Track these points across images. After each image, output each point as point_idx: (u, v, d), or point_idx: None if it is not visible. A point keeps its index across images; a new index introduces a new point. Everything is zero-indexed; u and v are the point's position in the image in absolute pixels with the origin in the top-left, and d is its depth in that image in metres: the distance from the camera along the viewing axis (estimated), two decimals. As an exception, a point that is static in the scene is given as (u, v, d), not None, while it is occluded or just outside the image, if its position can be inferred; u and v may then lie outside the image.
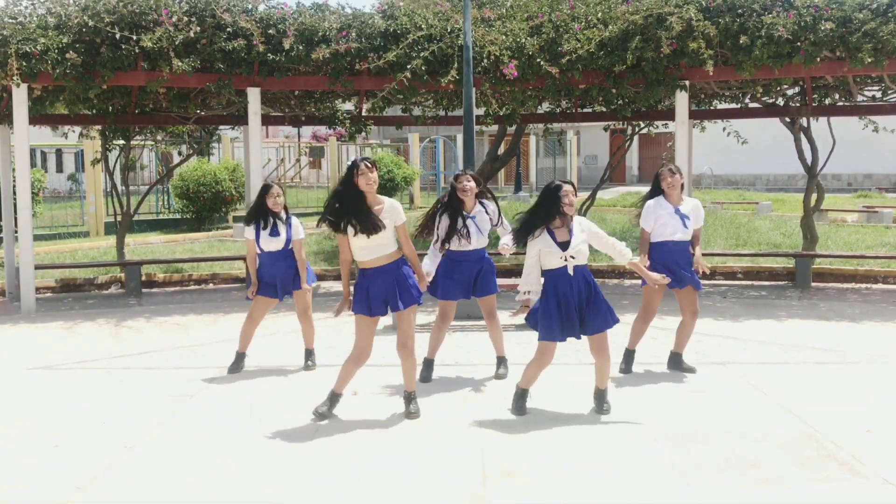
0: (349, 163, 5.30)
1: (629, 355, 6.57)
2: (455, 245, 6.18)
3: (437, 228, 6.22)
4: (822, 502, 4.10)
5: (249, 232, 6.58)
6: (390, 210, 5.24)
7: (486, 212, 6.29)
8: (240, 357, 6.74)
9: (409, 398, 5.52)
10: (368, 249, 5.23)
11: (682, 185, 6.46)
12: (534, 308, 5.35)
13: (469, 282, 6.26)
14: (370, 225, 5.12)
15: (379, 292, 5.27)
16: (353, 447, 4.91)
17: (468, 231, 6.15)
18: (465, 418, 5.42)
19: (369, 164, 5.16)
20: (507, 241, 5.64)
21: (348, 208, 5.14)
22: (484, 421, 5.36)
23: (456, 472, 4.50)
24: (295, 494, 4.24)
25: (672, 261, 6.27)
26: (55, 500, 4.20)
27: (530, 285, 5.33)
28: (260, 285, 6.64)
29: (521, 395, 5.53)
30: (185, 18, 9.02)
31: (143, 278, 11.15)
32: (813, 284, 10.63)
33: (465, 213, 6.21)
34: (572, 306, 5.24)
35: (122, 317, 9.15)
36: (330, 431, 5.18)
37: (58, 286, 11.13)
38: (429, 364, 6.40)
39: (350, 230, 5.17)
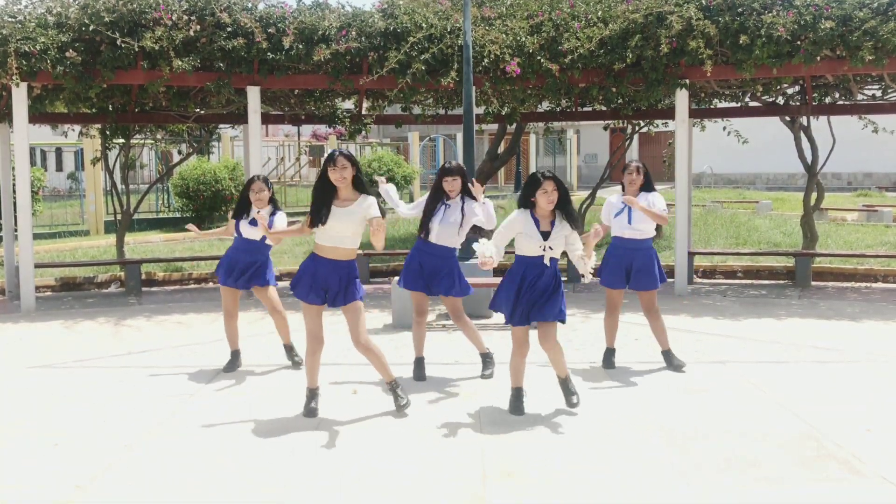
0: (329, 152, 5.30)
1: (609, 353, 6.64)
2: (424, 235, 6.16)
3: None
4: (822, 502, 4.09)
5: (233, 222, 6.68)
6: (361, 204, 5.17)
7: (462, 210, 6.13)
8: (234, 355, 6.72)
9: (393, 387, 5.48)
10: (329, 236, 5.23)
11: (643, 185, 6.48)
12: (497, 293, 5.41)
13: (430, 276, 6.18)
14: (315, 216, 5.18)
15: (322, 282, 5.27)
16: (352, 447, 4.91)
17: (432, 217, 6.12)
18: (464, 417, 5.42)
19: (344, 162, 5.14)
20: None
21: (316, 197, 5.23)
22: (483, 420, 5.35)
23: (456, 472, 4.49)
24: (294, 494, 4.24)
25: (624, 259, 6.42)
26: (55, 500, 4.19)
27: (490, 251, 5.17)
28: (221, 274, 6.61)
29: (516, 395, 5.50)
30: (185, 17, 9.02)
31: (143, 277, 11.15)
32: (813, 283, 10.63)
33: (445, 200, 6.18)
34: (536, 294, 5.23)
35: (122, 315, 9.14)
36: (329, 431, 5.17)
37: (57, 285, 11.13)
38: (419, 362, 6.38)
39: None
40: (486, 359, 6.44)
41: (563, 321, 5.34)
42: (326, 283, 5.27)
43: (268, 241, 6.52)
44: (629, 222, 6.40)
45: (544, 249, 5.21)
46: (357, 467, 4.58)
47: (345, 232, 5.19)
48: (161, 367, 6.87)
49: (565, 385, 5.53)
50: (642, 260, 6.41)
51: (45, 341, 7.93)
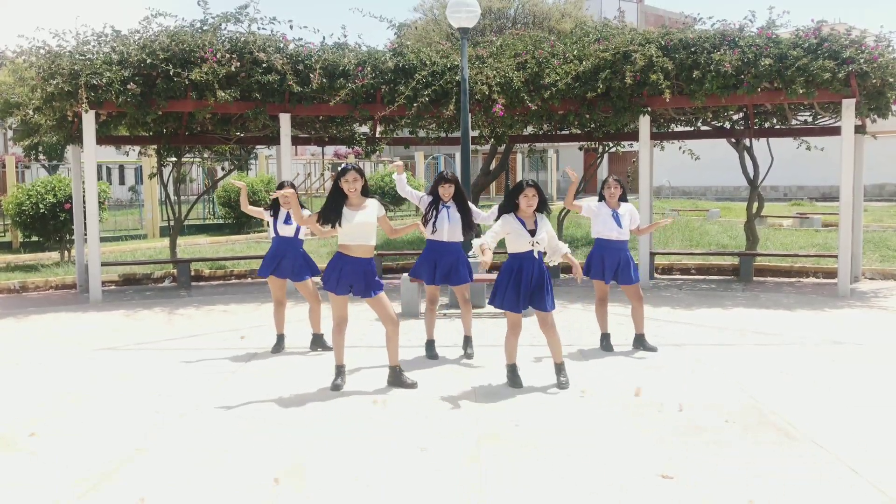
0: (342, 167, 5.33)
1: (605, 338, 6.59)
2: (434, 235, 6.12)
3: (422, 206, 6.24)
4: (761, 462, 4.09)
5: (266, 215, 6.62)
6: (371, 206, 5.29)
7: (460, 209, 6.11)
8: (280, 339, 6.71)
9: (398, 372, 5.53)
10: (353, 236, 5.25)
11: (621, 195, 6.43)
12: (494, 290, 5.35)
13: (445, 270, 6.14)
14: (325, 216, 5.24)
15: (348, 277, 5.30)
16: (366, 415, 4.91)
17: (437, 215, 6.08)
18: (461, 390, 5.42)
19: (355, 175, 5.21)
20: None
21: (329, 202, 5.27)
22: (478, 392, 5.35)
23: (454, 435, 4.49)
24: (317, 451, 4.24)
25: (609, 257, 6.34)
26: (118, 459, 4.20)
27: (488, 243, 5.11)
28: (270, 268, 6.51)
29: (512, 370, 5.51)
30: (227, 55, 9.05)
31: (192, 273, 11.15)
32: (754, 279, 10.63)
33: (442, 201, 6.15)
34: (531, 283, 5.24)
35: (175, 306, 9.15)
36: (345, 401, 5.18)
37: (120, 280, 11.13)
38: (430, 344, 6.37)
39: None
40: (468, 340, 6.40)
41: (550, 309, 5.35)
42: (352, 279, 5.30)
43: (300, 236, 6.51)
44: (619, 226, 6.31)
45: (533, 245, 5.22)
46: (368, 431, 4.57)
47: (367, 229, 5.24)
48: (208, 348, 6.87)
49: (558, 368, 5.50)
50: (625, 259, 6.37)
51: (110, 327, 7.94)
